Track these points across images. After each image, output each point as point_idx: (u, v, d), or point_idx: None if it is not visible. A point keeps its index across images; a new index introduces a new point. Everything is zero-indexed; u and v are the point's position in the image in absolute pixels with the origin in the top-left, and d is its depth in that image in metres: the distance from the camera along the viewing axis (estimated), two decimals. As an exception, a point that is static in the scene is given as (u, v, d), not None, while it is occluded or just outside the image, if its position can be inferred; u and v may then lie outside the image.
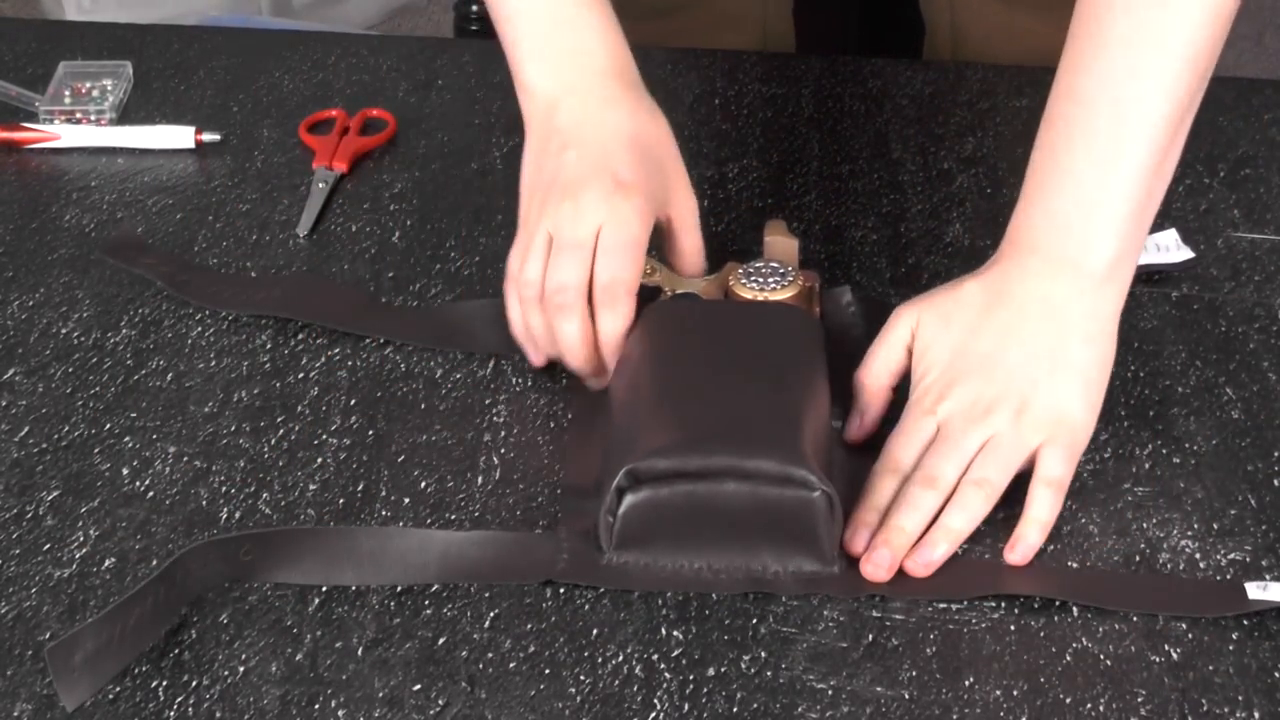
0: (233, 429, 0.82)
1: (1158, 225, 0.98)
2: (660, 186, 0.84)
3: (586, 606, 0.73)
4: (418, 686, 0.69)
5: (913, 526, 0.75)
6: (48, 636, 0.70)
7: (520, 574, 0.74)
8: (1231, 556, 0.76)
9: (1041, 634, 0.72)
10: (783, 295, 0.85)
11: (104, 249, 0.93)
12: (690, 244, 0.87)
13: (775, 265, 0.86)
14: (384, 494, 0.78)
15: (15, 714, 0.67)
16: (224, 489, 0.78)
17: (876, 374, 0.82)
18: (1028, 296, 0.80)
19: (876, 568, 0.74)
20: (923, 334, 0.81)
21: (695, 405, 0.76)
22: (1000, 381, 0.78)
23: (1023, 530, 0.76)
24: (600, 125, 0.84)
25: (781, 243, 0.89)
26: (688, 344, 0.80)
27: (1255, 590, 0.73)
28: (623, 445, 0.75)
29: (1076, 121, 0.80)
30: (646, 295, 0.84)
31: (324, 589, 0.73)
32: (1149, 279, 0.94)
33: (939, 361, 0.80)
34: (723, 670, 0.70)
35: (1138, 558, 0.76)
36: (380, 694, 0.68)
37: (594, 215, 0.81)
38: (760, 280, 0.85)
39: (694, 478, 0.72)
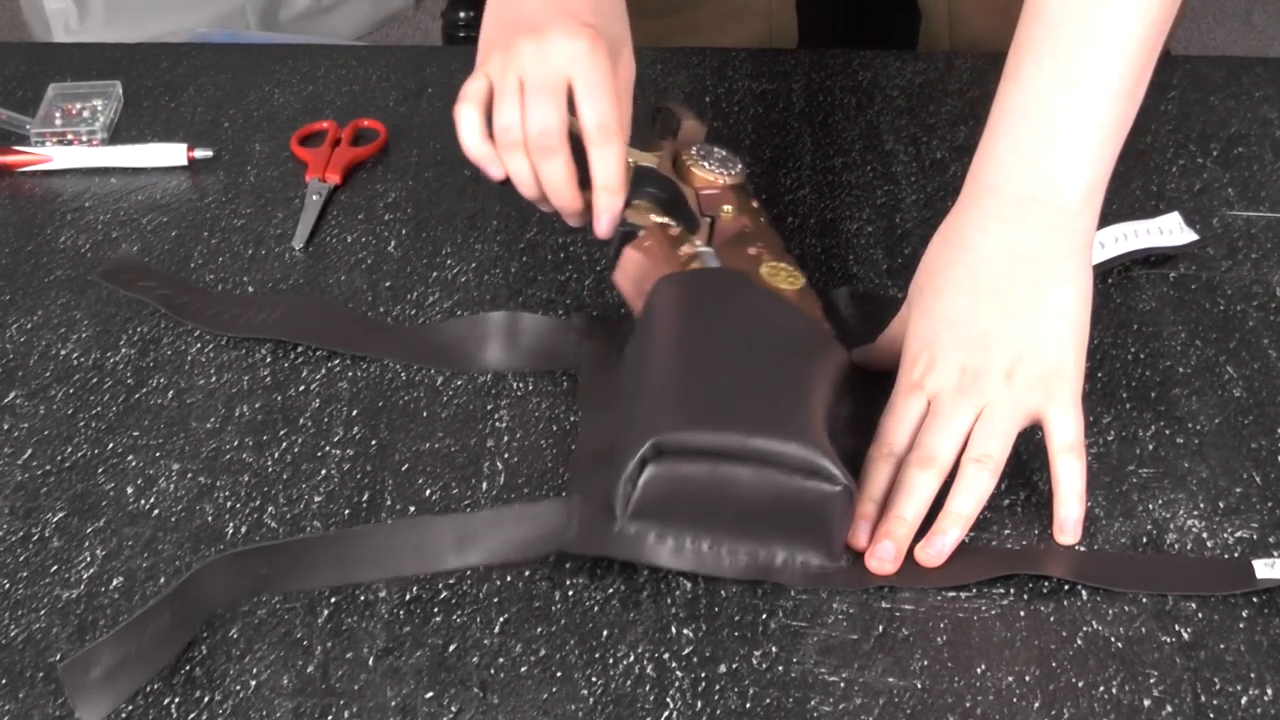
0: (235, 444, 0.82)
1: (1157, 210, 0.99)
2: (616, 36, 0.84)
3: (596, 608, 0.73)
4: (430, 694, 0.69)
5: (913, 514, 0.74)
6: (58, 658, 0.70)
7: (534, 547, 0.73)
8: (1239, 535, 0.76)
9: (1051, 619, 0.72)
10: (734, 181, 0.89)
11: (101, 274, 0.93)
12: (623, 101, 0.86)
13: (723, 153, 0.89)
14: (389, 503, 0.78)
15: (29, 736, 0.67)
16: (229, 504, 0.78)
17: (879, 346, 0.85)
18: (993, 248, 0.78)
19: (882, 561, 0.73)
20: (908, 308, 0.81)
21: (722, 383, 0.75)
22: (983, 346, 0.77)
23: (1063, 509, 0.75)
24: None
25: (695, 126, 0.93)
26: (711, 321, 0.79)
27: (1263, 568, 0.73)
28: (647, 415, 0.73)
29: (1046, 43, 0.78)
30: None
31: (333, 600, 0.73)
32: (1149, 261, 0.94)
33: (919, 333, 0.79)
34: (734, 666, 0.70)
35: (1145, 539, 0.76)
36: (393, 703, 0.68)
37: (560, 54, 0.81)
38: (714, 163, 0.89)
39: (719, 457, 0.71)
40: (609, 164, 0.82)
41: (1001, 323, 0.77)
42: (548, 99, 0.81)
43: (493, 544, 0.73)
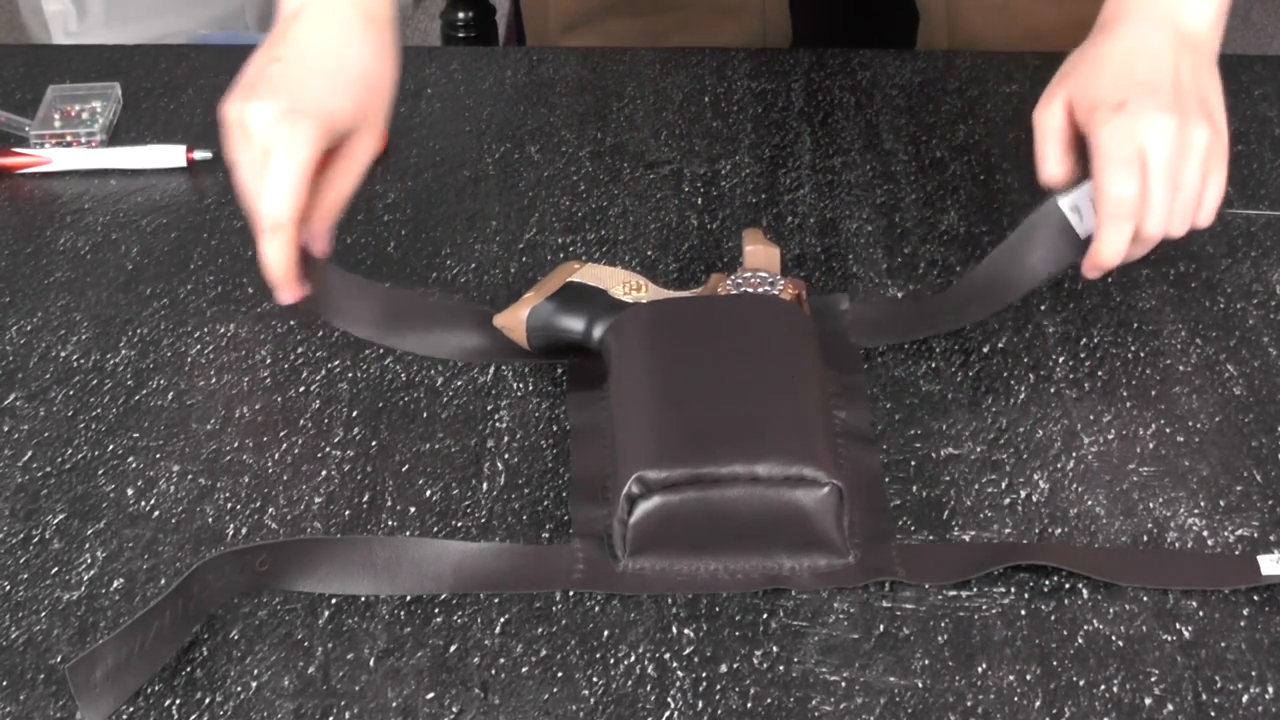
0: (235, 445, 0.82)
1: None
2: (351, 117, 0.86)
3: (596, 608, 0.73)
4: (431, 695, 0.69)
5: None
6: (59, 660, 0.70)
7: (536, 584, 0.74)
8: (1240, 533, 0.76)
9: (1052, 617, 0.72)
10: None
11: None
12: (344, 178, 0.87)
13: (763, 275, 0.85)
14: (390, 504, 0.78)
15: (30, 738, 0.67)
16: (229, 505, 0.78)
17: (1051, 166, 0.86)
18: (1164, 40, 0.84)
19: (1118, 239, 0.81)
20: (1080, 95, 0.83)
21: (698, 408, 0.75)
22: (1174, 96, 0.81)
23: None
24: (320, 50, 0.87)
25: (763, 251, 0.88)
26: (684, 344, 0.80)
27: (1269, 564, 0.73)
28: (630, 451, 0.75)
29: None
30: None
31: (334, 601, 0.73)
32: (1149, 260, 0.94)
33: (1107, 96, 0.82)
34: (735, 666, 0.70)
35: (1145, 538, 0.76)
36: (394, 704, 0.68)
37: (262, 138, 0.83)
38: (750, 290, 0.85)
39: (704, 484, 0.72)
40: (268, 252, 0.83)
41: (1190, 81, 0.83)
42: (249, 173, 0.84)
43: (494, 577, 0.74)
